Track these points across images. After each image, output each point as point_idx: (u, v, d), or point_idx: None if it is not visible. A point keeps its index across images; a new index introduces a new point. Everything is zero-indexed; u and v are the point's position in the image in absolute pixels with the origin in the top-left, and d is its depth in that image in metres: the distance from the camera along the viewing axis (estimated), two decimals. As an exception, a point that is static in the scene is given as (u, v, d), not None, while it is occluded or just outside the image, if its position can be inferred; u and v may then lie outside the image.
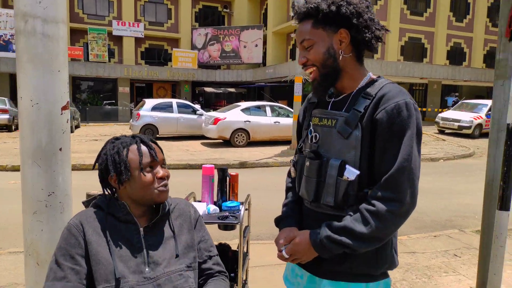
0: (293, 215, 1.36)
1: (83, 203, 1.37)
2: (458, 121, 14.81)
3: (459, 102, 17.21)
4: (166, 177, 1.30)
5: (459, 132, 14.75)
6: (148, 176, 1.25)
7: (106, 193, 1.34)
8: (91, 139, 13.54)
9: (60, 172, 1.81)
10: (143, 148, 1.27)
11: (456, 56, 24.71)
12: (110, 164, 1.25)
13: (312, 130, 1.28)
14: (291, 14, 1.28)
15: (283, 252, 1.25)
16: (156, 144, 1.34)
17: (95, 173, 1.34)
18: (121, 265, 1.20)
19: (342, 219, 1.16)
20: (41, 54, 1.70)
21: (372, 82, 1.22)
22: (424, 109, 21.96)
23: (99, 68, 23.07)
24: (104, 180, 1.31)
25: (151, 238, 1.28)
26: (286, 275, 1.42)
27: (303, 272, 1.32)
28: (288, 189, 1.47)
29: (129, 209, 1.27)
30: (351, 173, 1.15)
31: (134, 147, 1.27)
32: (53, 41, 1.74)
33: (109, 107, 24.12)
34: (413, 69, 20.74)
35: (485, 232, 2.13)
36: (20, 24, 1.69)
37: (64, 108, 1.83)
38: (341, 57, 1.20)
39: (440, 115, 16.07)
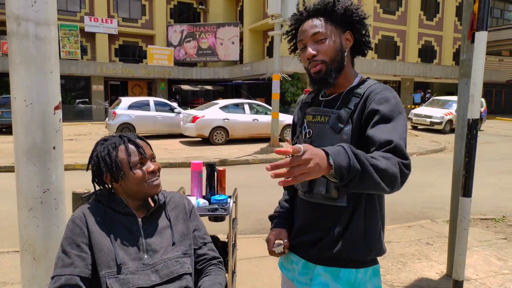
0: (285, 216, 1.49)
1: (84, 197, 1.45)
2: (430, 117, 15.38)
3: (431, 99, 17.82)
4: (158, 170, 1.41)
5: (431, 128, 15.32)
6: (139, 172, 1.35)
7: (102, 188, 1.43)
8: (66, 139, 13.26)
9: (54, 170, 1.87)
10: (131, 147, 1.37)
11: (427, 54, 25.55)
12: (103, 165, 1.35)
13: (306, 126, 1.40)
14: (300, 9, 1.37)
15: (276, 248, 1.38)
16: (144, 140, 1.44)
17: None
18: (121, 252, 1.29)
19: (334, 208, 1.27)
20: (34, 56, 1.76)
21: (362, 82, 1.35)
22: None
23: (71, 66, 22.53)
24: (99, 180, 1.40)
25: (149, 227, 1.38)
26: (282, 262, 1.53)
27: (298, 258, 1.42)
28: (285, 189, 1.58)
29: (126, 203, 1.37)
30: None
31: (122, 147, 1.37)
32: (45, 43, 1.79)
33: (83, 105, 23.58)
34: (387, 66, 21.36)
35: (453, 219, 2.32)
36: (13, 26, 1.73)
37: (56, 108, 1.89)
38: (345, 55, 1.33)
39: (413, 111, 16.63)
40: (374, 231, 1.30)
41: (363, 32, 1.36)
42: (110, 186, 1.41)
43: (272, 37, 11.26)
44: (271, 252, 1.41)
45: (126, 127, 12.89)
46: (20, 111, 1.77)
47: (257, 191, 6.14)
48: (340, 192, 1.28)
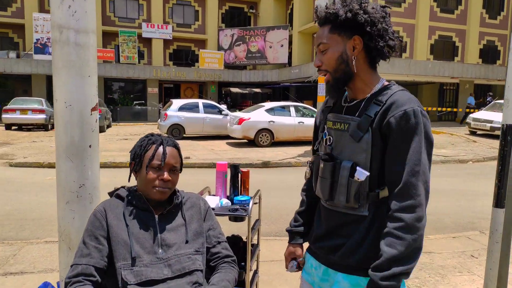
0: (300, 231, 1.53)
1: (108, 193, 1.56)
2: (491, 122, 14.31)
3: (492, 102, 16.61)
4: (170, 182, 1.45)
5: (491, 134, 14.27)
6: (152, 175, 1.43)
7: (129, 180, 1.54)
8: (121, 138, 14.08)
9: (89, 167, 2.01)
10: (160, 150, 1.45)
11: (489, 54, 23.87)
12: (133, 153, 1.50)
13: (327, 133, 1.39)
14: (314, 18, 1.39)
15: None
16: (178, 150, 1.51)
17: (125, 170, 1.56)
18: (137, 246, 1.38)
19: (355, 217, 1.28)
20: (73, 61, 1.92)
21: (384, 88, 1.30)
22: (455, 110, 21.34)
23: (129, 70, 23.87)
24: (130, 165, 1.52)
25: (164, 224, 1.46)
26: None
27: (318, 264, 1.42)
28: (302, 199, 1.60)
29: (145, 199, 1.46)
30: (361, 174, 1.24)
31: (153, 146, 1.45)
32: (84, 49, 1.95)
33: (139, 107, 24.90)
34: (443, 68, 20.20)
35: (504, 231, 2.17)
36: (56, 34, 1.91)
37: (93, 109, 2.04)
38: (354, 62, 1.29)
39: (472, 115, 15.59)
40: None
41: (376, 33, 1.28)
42: (133, 175, 1.52)
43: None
44: (287, 269, 1.51)
45: (176, 128, 13.42)
46: (61, 111, 1.93)
47: (296, 194, 6.09)
48: (361, 201, 1.27)
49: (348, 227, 1.30)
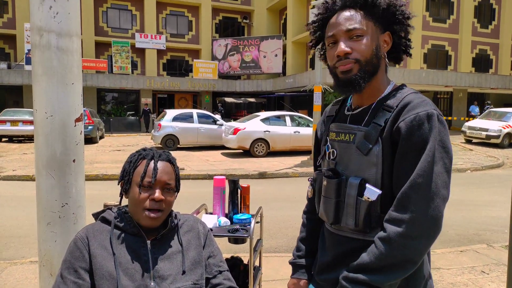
0: (304, 263, 1.34)
1: (93, 215, 1.36)
2: (486, 130, 14.30)
3: (487, 111, 16.64)
4: (163, 203, 1.24)
5: (487, 142, 14.24)
6: (142, 194, 1.23)
7: (120, 202, 1.35)
8: (114, 149, 13.82)
9: (73, 184, 1.82)
10: (151, 165, 1.25)
11: (482, 63, 24.05)
12: (122, 171, 1.30)
13: (330, 146, 1.20)
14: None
15: None
16: (173, 165, 1.31)
17: (117, 183, 1.36)
18: (125, 279, 1.18)
19: (366, 243, 1.08)
20: (55, 67, 1.73)
21: (394, 92, 1.13)
22: (450, 118, 21.39)
23: (122, 80, 23.67)
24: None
25: (158, 251, 1.26)
26: None
27: None
28: (303, 221, 1.41)
29: (135, 222, 1.26)
30: (371, 192, 1.06)
31: (144, 162, 1.27)
32: (67, 54, 1.77)
33: (132, 118, 24.65)
34: (437, 77, 20.29)
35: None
36: (36, 38, 1.73)
37: (77, 120, 1.85)
38: (385, 59, 1.14)
39: (467, 124, 15.58)
40: (418, 270, 1.08)
41: (403, 34, 1.15)
42: (124, 195, 1.32)
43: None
44: None
45: (170, 138, 13.22)
46: (41, 122, 1.74)
47: (295, 206, 5.92)
48: (372, 224, 1.08)
49: (357, 256, 1.08)
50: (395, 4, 1.11)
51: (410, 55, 1.19)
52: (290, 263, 1.38)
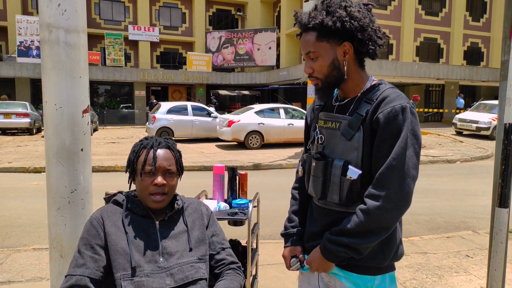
0: (297, 232, 1.47)
1: (104, 199, 1.48)
2: (476, 122, 14.54)
3: (477, 103, 16.88)
4: (165, 186, 1.36)
5: (477, 134, 14.49)
6: (146, 181, 1.36)
7: (129, 188, 1.47)
8: (109, 141, 13.85)
9: (81, 171, 1.93)
10: (150, 154, 1.37)
11: (473, 56, 24.31)
12: (128, 160, 1.42)
13: (318, 132, 1.38)
14: (295, 23, 1.34)
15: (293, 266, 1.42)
16: (173, 151, 1.43)
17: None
18: (137, 254, 1.31)
19: (348, 215, 1.26)
20: (64, 61, 1.84)
21: (374, 86, 1.30)
22: (441, 110, 21.65)
23: (115, 72, 23.55)
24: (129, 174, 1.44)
25: (166, 231, 1.39)
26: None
27: None
28: (293, 195, 1.56)
29: (144, 205, 1.39)
30: (353, 172, 1.24)
31: (144, 151, 1.39)
32: (75, 49, 1.87)
33: (126, 110, 24.59)
34: (429, 69, 20.48)
35: (492, 231, 2.16)
36: (45, 34, 1.83)
37: (85, 111, 1.96)
38: (345, 67, 1.28)
39: (458, 116, 15.81)
40: (391, 236, 1.28)
41: (367, 37, 1.26)
42: (133, 182, 1.44)
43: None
44: (289, 268, 1.44)
45: (165, 131, 13.27)
46: (51, 114, 1.85)
47: (289, 195, 6.03)
48: (354, 199, 1.26)
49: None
50: (342, 20, 1.22)
51: (376, 56, 1.30)
52: (283, 234, 1.51)
